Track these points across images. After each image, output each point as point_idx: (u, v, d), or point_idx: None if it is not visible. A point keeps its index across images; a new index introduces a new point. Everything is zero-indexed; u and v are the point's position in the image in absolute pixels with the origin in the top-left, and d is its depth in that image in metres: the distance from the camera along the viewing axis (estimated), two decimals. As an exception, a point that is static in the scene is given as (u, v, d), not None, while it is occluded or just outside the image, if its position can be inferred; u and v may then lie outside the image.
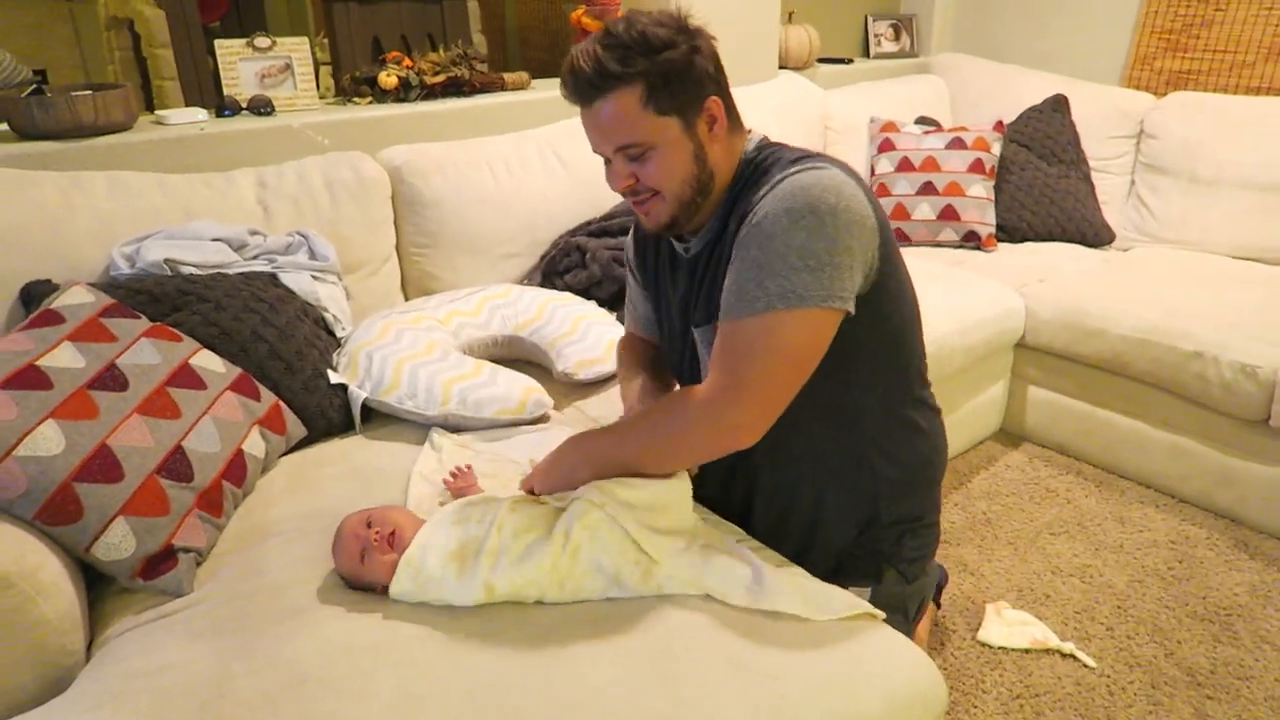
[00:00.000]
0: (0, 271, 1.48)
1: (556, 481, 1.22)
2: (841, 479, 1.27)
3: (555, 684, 0.98)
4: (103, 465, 1.15)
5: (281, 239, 1.76)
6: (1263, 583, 1.90)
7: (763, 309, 1.06)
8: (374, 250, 1.95)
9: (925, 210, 2.71)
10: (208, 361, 1.42)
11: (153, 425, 1.24)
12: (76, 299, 1.36)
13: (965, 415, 2.35)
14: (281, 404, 1.50)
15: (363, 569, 1.12)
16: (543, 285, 2.09)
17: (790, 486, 1.29)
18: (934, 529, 1.37)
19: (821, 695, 0.98)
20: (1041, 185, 2.77)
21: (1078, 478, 2.31)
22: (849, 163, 1.21)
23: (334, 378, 1.60)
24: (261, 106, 2.07)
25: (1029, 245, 2.75)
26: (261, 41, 2.10)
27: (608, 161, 1.17)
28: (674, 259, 1.32)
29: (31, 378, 1.17)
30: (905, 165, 2.75)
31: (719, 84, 1.15)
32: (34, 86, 1.85)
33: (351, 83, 2.29)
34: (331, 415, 1.58)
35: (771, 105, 2.75)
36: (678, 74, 1.09)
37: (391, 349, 1.63)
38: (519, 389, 1.60)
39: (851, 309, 1.09)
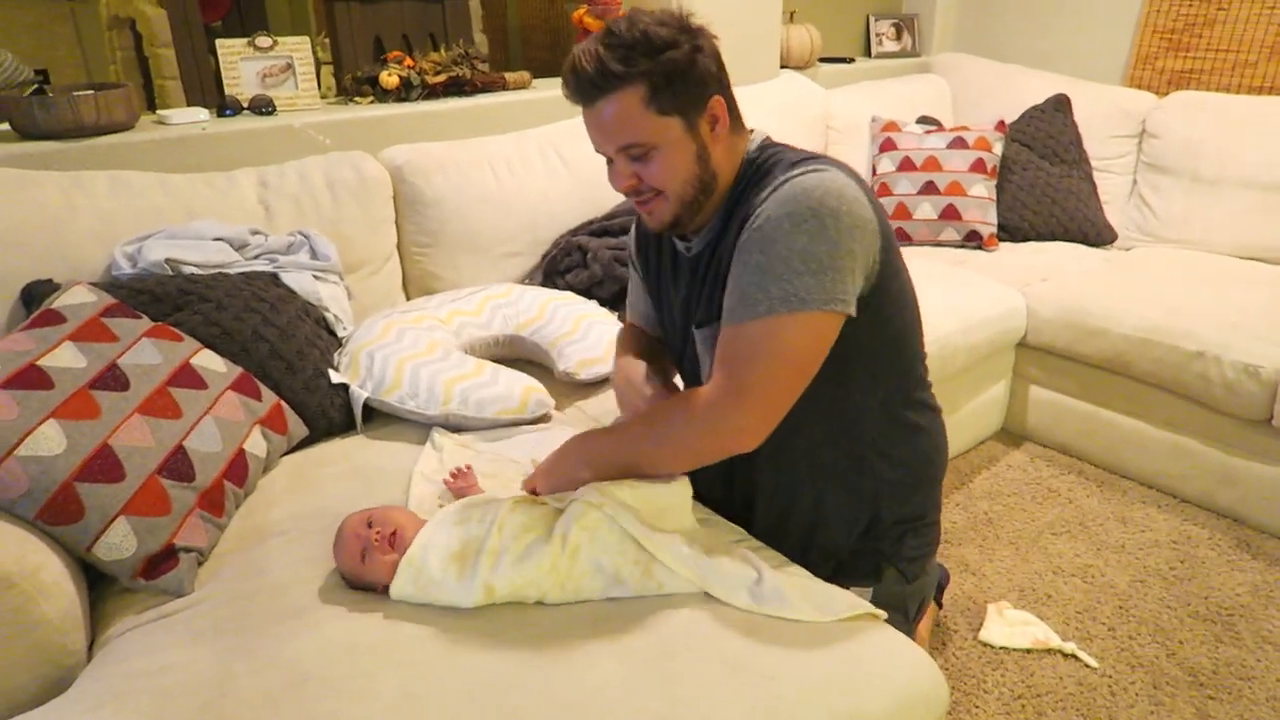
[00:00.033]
0: (1, 271, 1.48)
1: (558, 481, 1.22)
2: (841, 480, 1.27)
3: (555, 684, 0.98)
4: (104, 465, 1.15)
5: (283, 238, 1.76)
6: (1265, 583, 1.90)
7: (765, 313, 1.06)
8: (375, 250, 1.95)
9: (927, 210, 2.71)
10: (209, 361, 1.42)
11: (154, 425, 1.24)
12: (78, 299, 1.36)
13: (967, 415, 2.35)
14: (283, 404, 1.50)
15: (364, 569, 1.12)
16: (544, 285, 2.09)
17: (790, 487, 1.29)
18: (935, 528, 1.37)
19: (822, 695, 0.98)
20: (1043, 185, 2.77)
21: (1079, 477, 2.31)
22: (850, 162, 1.22)
23: (335, 377, 1.60)
24: (263, 106, 2.07)
25: (1031, 245, 2.75)
26: (263, 41, 2.10)
27: (610, 161, 1.17)
28: (675, 257, 1.32)
29: (33, 377, 1.17)
30: (907, 165, 2.75)
31: (721, 83, 1.15)
32: (36, 86, 1.86)
33: (353, 82, 2.29)
34: (333, 415, 1.58)
35: (773, 105, 2.74)
36: (680, 74, 1.09)
37: (393, 348, 1.63)
38: (520, 389, 1.60)
39: (853, 312, 1.09)
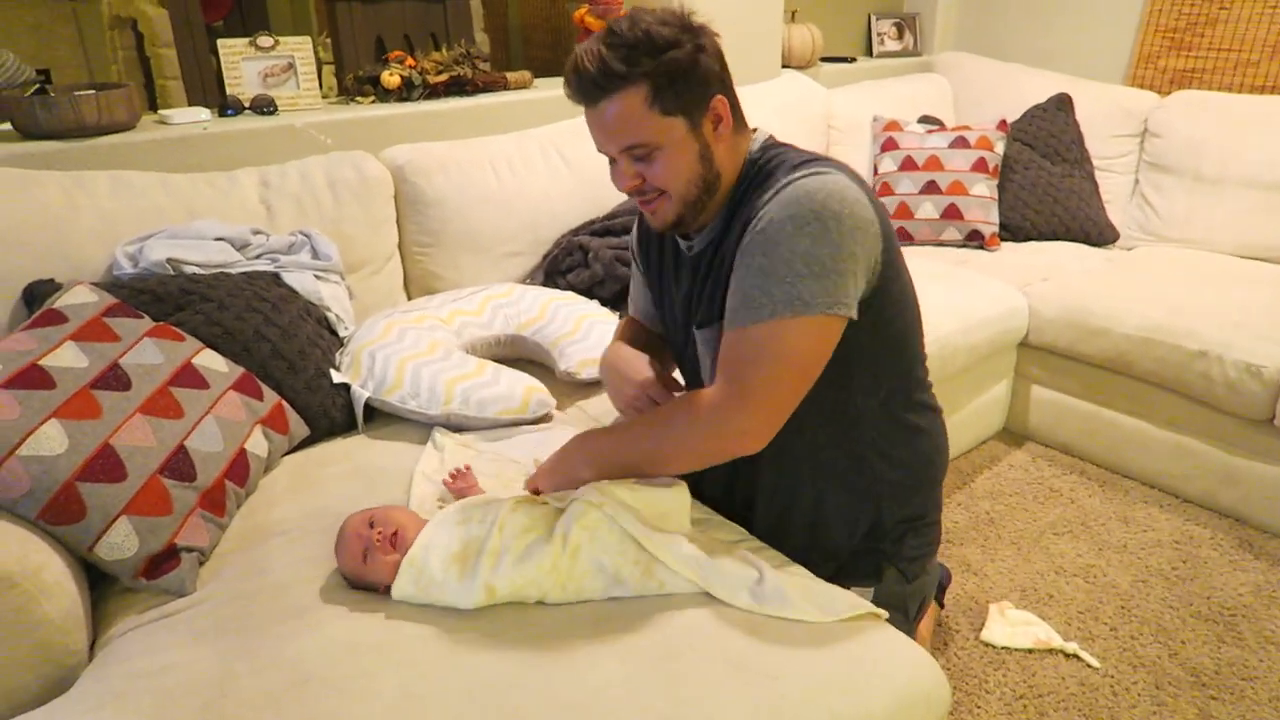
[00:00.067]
0: (3, 271, 1.48)
1: (560, 481, 1.22)
2: (842, 480, 1.27)
3: (556, 684, 0.98)
4: (105, 465, 1.15)
5: (284, 238, 1.76)
6: (1267, 583, 1.90)
7: (768, 316, 1.06)
8: (377, 249, 1.95)
9: (928, 209, 2.70)
10: (210, 361, 1.42)
11: (155, 425, 1.24)
12: (79, 298, 1.36)
13: (968, 415, 2.35)
14: (284, 403, 1.50)
15: (365, 569, 1.12)
16: (545, 284, 2.09)
17: (790, 488, 1.29)
18: (935, 528, 1.37)
19: (823, 695, 0.98)
20: (1045, 184, 2.77)
21: (1081, 477, 2.31)
22: (852, 162, 1.22)
23: (337, 377, 1.60)
24: (264, 106, 2.07)
25: (1032, 244, 2.74)
26: (264, 41, 2.10)
27: (613, 161, 1.16)
28: (677, 255, 1.31)
29: (34, 377, 1.17)
30: (908, 164, 2.75)
31: (724, 83, 1.14)
32: (37, 86, 1.86)
33: (354, 82, 2.29)
34: (334, 415, 1.58)
35: (774, 104, 2.74)
36: (683, 73, 1.08)
37: (394, 348, 1.63)
38: (521, 388, 1.60)
39: (854, 315, 1.09)
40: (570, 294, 1.96)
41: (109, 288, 1.45)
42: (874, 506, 1.28)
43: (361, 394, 1.58)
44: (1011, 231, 2.76)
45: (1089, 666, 1.67)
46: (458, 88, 2.34)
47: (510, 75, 2.45)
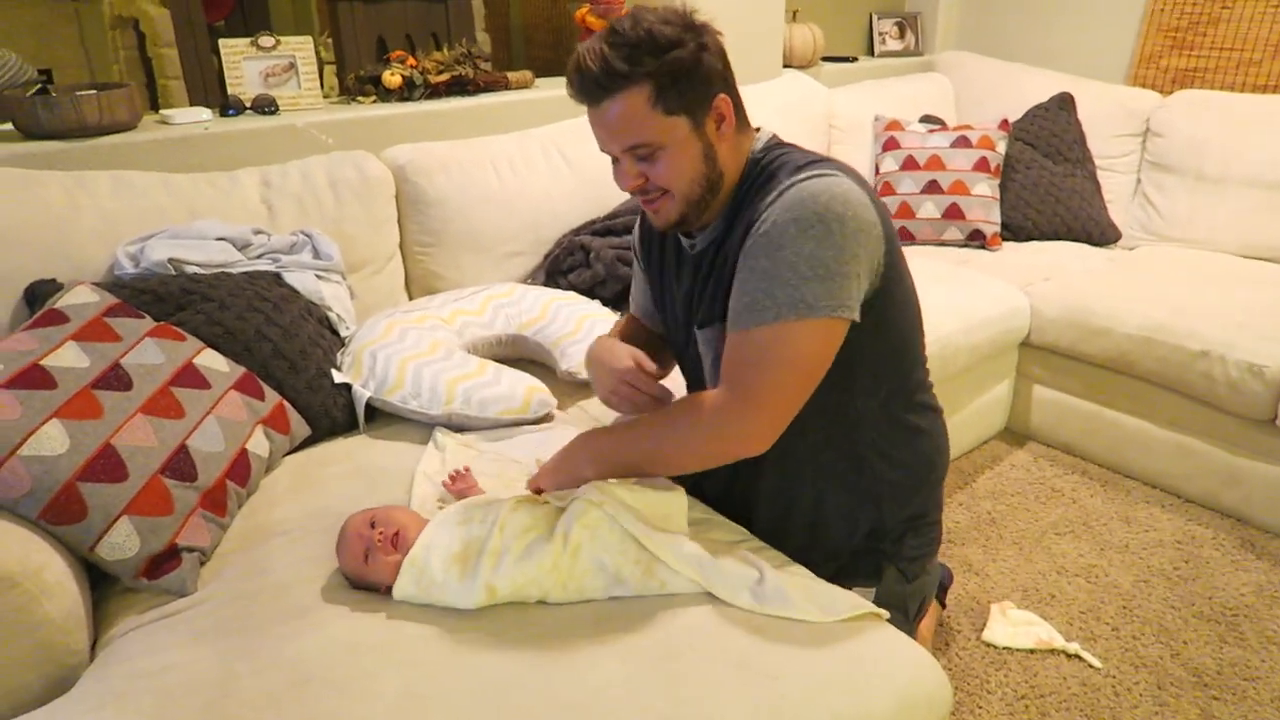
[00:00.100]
0: (5, 271, 1.48)
1: (563, 479, 1.22)
2: (842, 481, 1.27)
3: (557, 684, 0.98)
4: (107, 465, 1.15)
5: (285, 238, 1.76)
6: (1269, 583, 1.89)
7: (773, 319, 1.06)
8: (378, 249, 1.95)
9: (930, 209, 2.70)
10: (212, 361, 1.42)
11: (157, 425, 1.24)
12: (81, 298, 1.36)
13: (970, 414, 2.35)
14: (285, 403, 1.50)
15: (366, 569, 1.12)
16: (546, 284, 2.09)
17: (790, 488, 1.29)
18: (936, 527, 1.37)
19: (824, 695, 0.98)
20: (1047, 184, 2.76)
21: (1083, 477, 2.31)
22: (853, 162, 1.21)
23: (338, 377, 1.60)
24: (266, 106, 2.07)
25: (1034, 244, 2.74)
26: (266, 41, 2.10)
27: (615, 161, 1.16)
28: (679, 253, 1.31)
29: (36, 377, 1.17)
30: (910, 164, 2.75)
31: (727, 81, 1.14)
32: (39, 86, 1.86)
33: (356, 82, 2.29)
34: (335, 415, 1.58)
35: (776, 104, 2.74)
36: (686, 73, 1.08)
37: (395, 348, 1.63)
38: (523, 388, 1.60)
39: (857, 317, 1.09)
40: (572, 294, 1.96)
41: (110, 288, 1.45)
42: (874, 507, 1.28)
43: (363, 394, 1.58)
44: (1013, 231, 2.75)
45: (1091, 667, 1.67)
46: (459, 87, 2.34)
47: (512, 75, 2.45)
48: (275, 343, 1.53)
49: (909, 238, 2.74)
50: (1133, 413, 2.25)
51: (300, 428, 1.52)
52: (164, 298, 1.49)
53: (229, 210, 1.75)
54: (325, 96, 2.23)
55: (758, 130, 1.22)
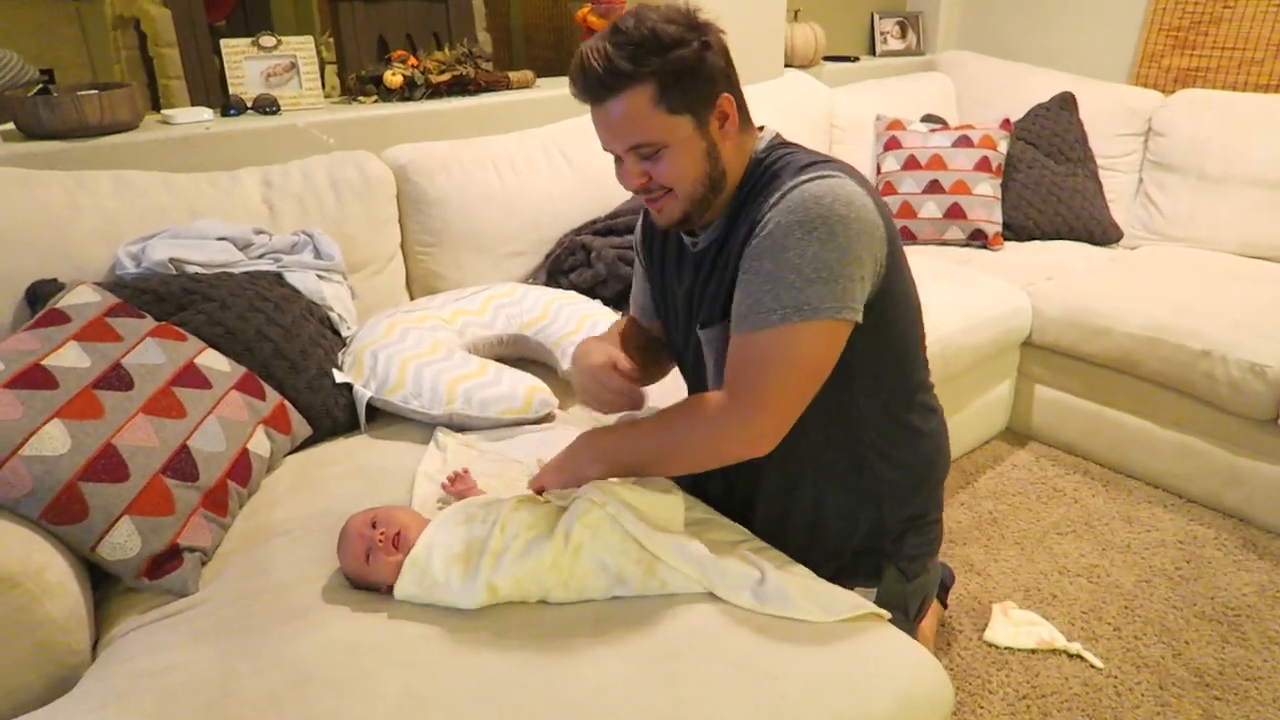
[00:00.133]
0: (6, 271, 1.48)
1: (567, 477, 1.22)
2: (842, 481, 1.27)
3: (558, 684, 0.98)
4: (108, 465, 1.15)
5: (286, 238, 1.76)
6: (1271, 583, 1.89)
7: (777, 321, 1.06)
8: (379, 249, 1.95)
9: (931, 209, 2.70)
10: (213, 361, 1.42)
11: (158, 425, 1.24)
12: (82, 298, 1.36)
13: (971, 414, 2.34)
14: (286, 403, 1.50)
15: (368, 569, 1.12)
16: (548, 284, 2.08)
17: (791, 488, 1.29)
18: (936, 526, 1.37)
19: (825, 695, 0.97)
20: (1049, 183, 2.76)
21: (1085, 477, 2.31)
22: (855, 161, 1.21)
23: (339, 377, 1.60)
24: (267, 105, 2.07)
25: (1036, 244, 2.74)
26: (267, 40, 2.10)
27: (618, 159, 1.16)
28: (681, 251, 1.31)
29: (37, 377, 1.17)
30: (911, 163, 2.74)
31: (730, 80, 1.14)
32: (40, 86, 1.86)
33: (357, 81, 2.29)
34: (336, 414, 1.58)
35: (777, 103, 2.74)
36: (690, 72, 1.08)
37: (396, 348, 1.63)
38: (524, 388, 1.60)
39: (860, 319, 1.09)
40: (573, 293, 1.96)
41: (111, 288, 1.45)
42: (874, 507, 1.28)
43: (364, 394, 1.58)
44: (1015, 231, 2.75)
45: (1092, 667, 1.67)
46: (460, 87, 2.34)
47: (512, 75, 2.45)
48: (276, 343, 1.53)
49: (911, 237, 2.74)
50: (1134, 412, 2.24)
51: (301, 428, 1.52)
52: (165, 298, 1.49)
53: (230, 210, 1.75)
54: (326, 96, 2.23)
55: (761, 129, 1.22)
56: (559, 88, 2.49)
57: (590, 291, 2.03)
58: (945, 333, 2.08)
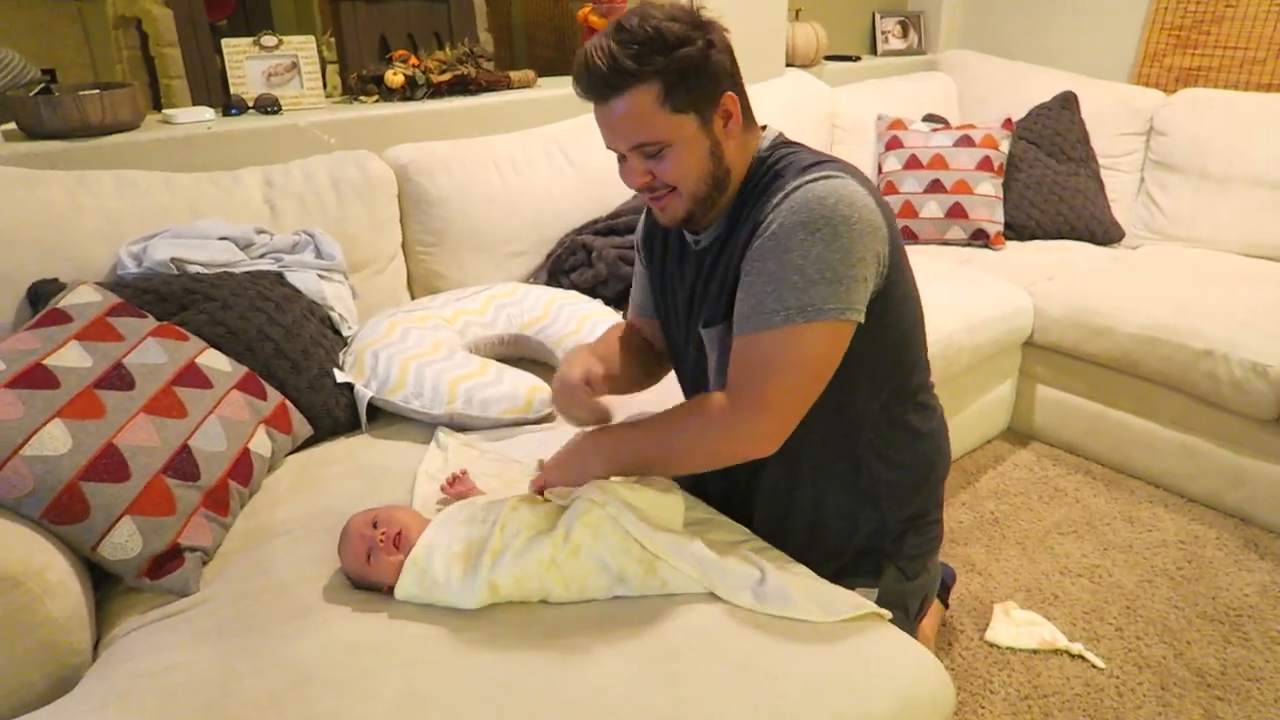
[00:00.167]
0: (8, 270, 1.49)
1: (571, 474, 1.21)
2: (842, 481, 1.27)
3: (559, 683, 0.98)
4: (109, 464, 1.15)
5: (288, 238, 1.76)
6: (1273, 583, 1.89)
7: (781, 322, 1.06)
8: (380, 249, 1.95)
9: (933, 208, 2.70)
10: (214, 361, 1.42)
11: (159, 424, 1.24)
12: (83, 298, 1.36)
13: (973, 414, 2.34)
14: (288, 403, 1.50)
15: (369, 569, 1.12)
16: (549, 284, 2.08)
17: (791, 488, 1.29)
18: (937, 525, 1.37)
19: (825, 695, 0.97)
20: (1050, 183, 2.76)
21: (1086, 477, 2.30)
22: (856, 161, 1.21)
23: (340, 377, 1.60)
24: (268, 105, 2.07)
25: (1037, 243, 2.74)
26: (268, 40, 2.10)
27: (622, 158, 1.15)
28: (683, 249, 1.31)
29: (38, 377, 1.17)
30: (913, 163, 2.74)
31: (734, 79, 1.14)
32: (42, 86, 1.86)
33: (358, 81, 2.29)
34: (338, 414, 1.58)
35: (779, 103, 2.74)
36: (694, 70, 1.07)
37: (397, 348, 1.63)
38: (525, 388, 1.60)
39: (863, 319, 1.09)
40: (574, 293, 1.96)
41: (113, 287, 1.45)
42: (874, 507, 1.28)
43: (365, 393, 1.58)
44: (1016, 230, 2.75)
45: (1094, 667, 1.67)
46: (461, 87, 2.34)
47: (514, 74, 2.45)
48: (277, 342, 1.53)
49: (912, 237, 2.74)
50: (1136, 412, 2.24)
51: (302, 427, 1.52)
52: (166, 297, 1.49)
53: (231, 210, 1.75)
54: (328, 96, 2.23)
55: (764, 128, 1.22)
56: (560, 87, 2.48)
57: (591, 291, 2.03)
58: (947, 332, 2.08)
